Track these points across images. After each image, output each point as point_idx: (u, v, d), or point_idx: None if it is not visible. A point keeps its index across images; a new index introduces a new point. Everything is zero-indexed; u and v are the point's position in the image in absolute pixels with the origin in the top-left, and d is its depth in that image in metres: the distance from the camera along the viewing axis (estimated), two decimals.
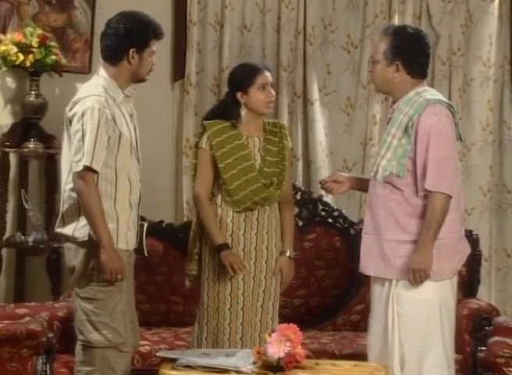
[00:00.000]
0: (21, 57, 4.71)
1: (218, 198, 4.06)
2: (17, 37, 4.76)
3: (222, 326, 4.02)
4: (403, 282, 3.65)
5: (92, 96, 3.55)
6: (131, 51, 3.62)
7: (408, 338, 3.65)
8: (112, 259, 3.53)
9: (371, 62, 3.77)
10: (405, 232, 3.64)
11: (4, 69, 4.78)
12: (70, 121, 3.59)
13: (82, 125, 3.52)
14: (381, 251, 3.69)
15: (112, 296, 3.60)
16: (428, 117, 3.61)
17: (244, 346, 3.94)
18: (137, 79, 3.71)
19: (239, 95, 4.07)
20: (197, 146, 4.13)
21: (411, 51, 3.69)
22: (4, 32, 4.85)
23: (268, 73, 4.10)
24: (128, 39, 3.62)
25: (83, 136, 3.51)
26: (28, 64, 4.74)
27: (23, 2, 4.96)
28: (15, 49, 4.71)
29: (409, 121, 3.63)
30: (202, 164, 4.09)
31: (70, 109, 3.60)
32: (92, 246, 3.57)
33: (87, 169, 3.50)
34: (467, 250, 3.85)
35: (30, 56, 4.73)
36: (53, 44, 4.84)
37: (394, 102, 3.76)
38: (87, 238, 3.58)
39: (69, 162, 3.61)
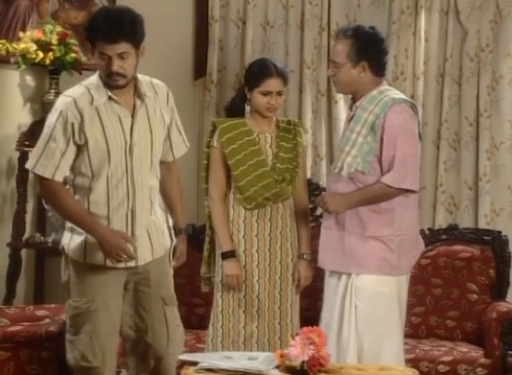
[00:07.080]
0: (40, 55, 4.71)
1: (231, 198, 4.00)
2: (37, 34, 4.75)
3: (237, 329, 3.97)
4: (363, 276, 3.71)
5: (62, 96, 3.42)
6: (90, 45, 3.43)
7: (367, 330, 3.70)
8: (105, 242, 3.32)
9: (332, 66, 3.78)
10: (367, 227, 3.71)
11: (23, 67, 4.77)
12: None
13: (44, 125, 3.39)
14: (342, 245, 3.73)
15: (78, 314, 3.45)
16: (394, 115, 3.68)
17: (261, 349, 3.90)
18: (104, 81, 3.42)
19: (246, 90, 4.04)
20: (208, 146, 4.08)
21: (375, 51, 3.77)
22: (23, 29, 4.86)
23: (277, 81, 3.97)
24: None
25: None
26: (48, 62, 4.73)
27: (42, 0, 4.94)
28: (34, 47, 4.71)
29: (375, 119, 3.69)
30: (214, 163, 4.03)
31: None
32: (66, 257, 3.45)
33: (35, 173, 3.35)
34: (422, 246, 3.93)
35: (50, 54, 4.72)
36: (73, 41, 4.83)
37: (355, 100, 3.80)
38: (61, 248, 3.47)
39: None
